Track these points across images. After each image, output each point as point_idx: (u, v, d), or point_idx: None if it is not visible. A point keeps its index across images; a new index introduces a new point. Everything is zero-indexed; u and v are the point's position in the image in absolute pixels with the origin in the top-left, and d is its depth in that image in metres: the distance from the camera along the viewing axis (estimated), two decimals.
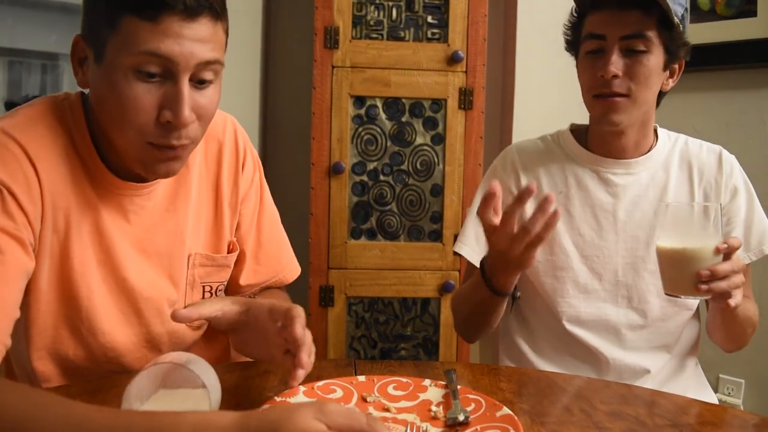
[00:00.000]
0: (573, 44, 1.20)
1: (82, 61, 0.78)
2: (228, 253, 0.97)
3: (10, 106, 2.20)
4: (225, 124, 0.97)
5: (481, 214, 0.89)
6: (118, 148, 0.80)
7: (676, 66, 1.13)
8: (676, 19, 1.04)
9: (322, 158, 1.87)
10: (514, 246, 0.86)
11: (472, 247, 1.18)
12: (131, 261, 0.86)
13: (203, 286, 0.94)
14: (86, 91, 0.83)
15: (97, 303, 0.84)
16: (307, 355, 0.72)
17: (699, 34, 2.03)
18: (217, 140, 0.95)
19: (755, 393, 2.01)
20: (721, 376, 2.05)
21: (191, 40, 0.72)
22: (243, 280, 0.99)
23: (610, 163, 1.15)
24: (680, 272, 0.87)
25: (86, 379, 0.84)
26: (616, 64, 1.05)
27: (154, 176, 0.83)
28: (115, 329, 0.87)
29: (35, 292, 0.81)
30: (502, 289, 0.97)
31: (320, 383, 0.76)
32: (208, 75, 0.76)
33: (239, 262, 0.99)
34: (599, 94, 1.07)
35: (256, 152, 1.03)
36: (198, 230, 0.93)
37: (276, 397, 0.71)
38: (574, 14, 1.19)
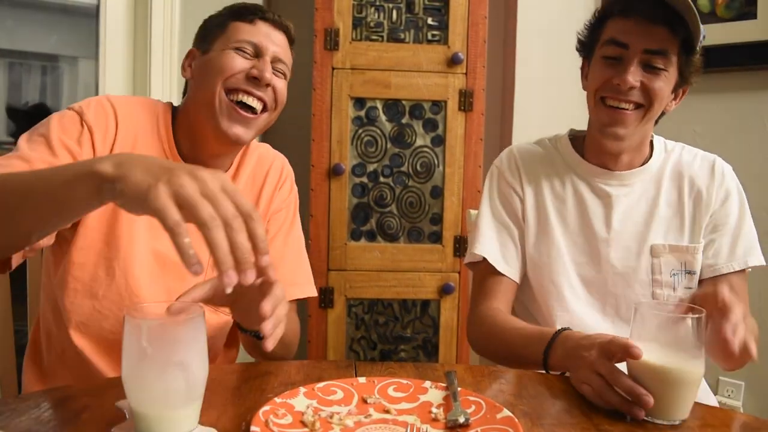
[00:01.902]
0: (587, 46, 1.16)
1: (189, 64, 1.05)
2: None
3: (11, 111, 2.20)
4: (276, 155, 1.18)
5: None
6: (200, 124, 0.99)
7: (681, 90, 1.13)
8: (699, 46, 1.05)
9: (322, 160, 1.87)
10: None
11: (493, 251, 1.16)
12: None
13: None
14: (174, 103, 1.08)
15: (135, 250, 0.97)
16: (271, 327, 0.73)
17: None
18: (268, 162, 1.14)
19: (755, 395, 2.01)
20: (720, 378, 2.05)
21: (272, 40, 1.02)
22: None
23: (605, 175, 1.15)
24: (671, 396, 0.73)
25: (87, 380, 0.84)
26: (635, 75, 1.04)
27: (227, 140, 0.99)
28: (143, 278, 0.98)
29: (84, 226, 0.95)
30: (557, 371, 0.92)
31: (321, 384, 0.76)
32: (280, 67, 1.03)
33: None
34: (607, 97, 1.07)
35: (296, 188, 1.20)
36: None
37: (276, 398, 0.71)
38: (596, 16, 1.14)
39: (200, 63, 1.03)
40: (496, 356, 1.09)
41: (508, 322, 1.08)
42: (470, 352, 1.34)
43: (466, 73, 1.90)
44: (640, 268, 1.12)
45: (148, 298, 0.97)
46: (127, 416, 0.64)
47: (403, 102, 1.90)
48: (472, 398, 0.73)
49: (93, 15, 2.05)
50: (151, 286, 0.99)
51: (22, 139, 0.92)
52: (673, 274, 1.12)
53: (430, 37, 1.90)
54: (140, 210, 0.61)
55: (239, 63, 0.99)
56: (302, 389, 0.74)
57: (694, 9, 1.01)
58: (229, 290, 0.60)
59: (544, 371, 0.93)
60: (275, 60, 1.02)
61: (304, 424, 0.68)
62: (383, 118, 1.90)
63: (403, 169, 1.91)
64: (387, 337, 1.94)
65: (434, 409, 0.73)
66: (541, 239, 1.16)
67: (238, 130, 0.98)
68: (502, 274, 1.15)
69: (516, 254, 1.17)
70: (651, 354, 0.74)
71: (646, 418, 0.74)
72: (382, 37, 1.89)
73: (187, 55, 1.07)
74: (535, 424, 0.71)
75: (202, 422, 0.65)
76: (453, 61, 1.89)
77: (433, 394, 0.76)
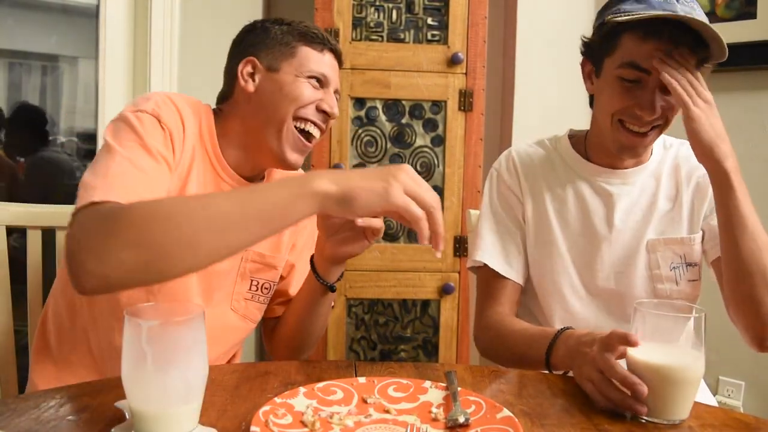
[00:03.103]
0: (594, 52, 1.09)
1: (250, 74, 1.04)
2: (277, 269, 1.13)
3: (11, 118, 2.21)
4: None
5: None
6: (260, 144, 1.02)
7: None
8: (713, 62, 1.03)
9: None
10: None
11: (494, 255, 1.15)
12: None
13: (251, 280, 1.09)
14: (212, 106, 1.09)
15: None
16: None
17: None
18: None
19: (755, 395, 2.01)
20: (720, 378, 2.05)
21: (335, 72, 1.06)
22: (292, 290, 1.16)
23: (607, 173, 1.14)
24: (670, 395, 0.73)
25: (87, 381, 0.84)
26: (657, 102, 1.01)
27: (282, 164, 1.03)
28: (192, 275, 0.99)
29: None
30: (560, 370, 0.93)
31: (320, 384, 0.76)
32: (336, 97, 1.07)
33: (290, 275, 1.16)
34: (626, 121, 1.04)
35: None
36: None
37: (276, 398, 0.71)
38: (607, 22, 1.03)
39: (269, 82, 1.02)
40: (504, 360, 1.09)
41: (513, 324, 1.08)
42: (470, 352, 1.34)
43: (466, 73, 1.91)
44: (640, 264, 1.11)
45: (195, 294, 1.01)
46: (127, 416, 0.64)
47: (403, 102, 1.90)
48: (472, 398, 0.73)
49: (93, 15, 2.05)
50: (200, 284, 1.02)
51: (116, 144, 0.89)
52: (673, 268, 1.12)
53: (430, 37, 1.90)
54: (366, 213, 0.75)
55: (311, 94, 1.01)
56: (302, 389, 0.74)
57: (720, 37, 0.98)
58: (438, 255, 0.79)
59: (547, 371, 0.93)
60: (336, 92, 1.07)
61: (304, 424, 0.68)
62: (383, 118, 1.90)
63: None
64: (387, 337, 1.94)
65: (434, 409, 0.73)
66: (541, 241, 1.15)
67: (297, 159, 1.03)
68: (506, 278, 1.14)
69: (518, 256, 1.16)
70: (651, 353, 0.74)
71: (646, 418, 0.74)
72: (382, 37, 1.89)
73: (245, 62, 1.04)
74: (535, 424, 0.72)
75: (202, 422, 0.65)
76: (453, 61, 1.89)
77: (433, 394, 0.76)
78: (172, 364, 0.60)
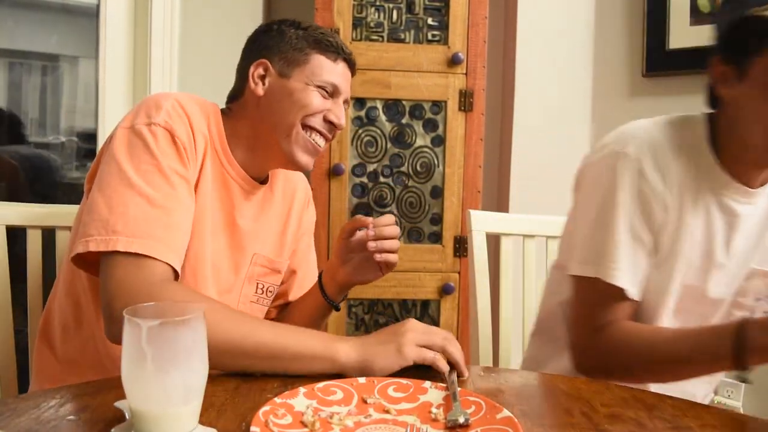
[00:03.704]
0: (736, 51, 0.92)
1: (261, 77, 1.04)
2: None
3: (10, 125, 2.20)
4: (299, 175, 1.21)
5: None
6: (269, 145, 1.03)
7: None
8: None
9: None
10: None
11: (634, 281, 0.96)
12: (225, 231, 1.04)
13: (257, 283, 1.11)
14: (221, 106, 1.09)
15: (204, 252, 1.01)
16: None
17: (699, 36, 2.03)
18: (294, 180, 1.20)
19: (755, 395, 2.01)
20: (720, 378, 2.05)
21: (347, 82, 1.07)
22: (292, 296, 1.20)
23: (735, 189, 0.98)
24: None
25: (86, 381, 0.84)
26: None
27: (294, 167, 1.06)
28: (210, 279, 1.03)
29: None
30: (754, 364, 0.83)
31: (320, 384, 0.76)
32: (345, 106, 1.09)
33: (290, 280, 1.20)
34: None
35: (314, 208, 1.27)
36: (267, 238, 1.12)
37: (276, 398, 0.71)
38: (756, 20, 0.88)
39: (279, 87, 1.03)
40: (650, 373, 0.96)
41: (656, 332, 0.96)
42: (470, 352, 1.34)
43: (466, 73, 1.91)
44: (746, 292, 1.02)
45: (212, 295, 1.03)
46: (127, 416, 0.64)
47: (403, 102, 1.90)
48: (472, 398, 0.73)
49: (93, 15, 2.05)
50: (215, 285, 1.04)
51: (131, 169, 0.88)
52: (757, 300, 1.03)
53: (430, 37, 1.90)
54: (386, 373, 0.81)
55: (319, 104, 1.03)
56: (302, 389, 0.74)
57: None
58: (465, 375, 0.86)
59: (736, 370, 0.85)
60: (345, 102, 1.08)
61: (304, 424, 0.68)
62: (383, 118, 1.90)
63: (403, 169, 1.91)
64: None
65: (434, 409, 0.73)
66: (662, 260, 0.98)
67: (308, 161, 1.05)
68: (630, 298, 0.97)
69: (644, 273, 0.98)
70: None
71: None
72: (382, 37, 1.89)
73: (256, 64, 1.04)
74: (535, 424, 0.71)
75: (202, 422, 0.65)
76: (453, 62, 1.89)
77: (433, 394, 0.76)
78: (171, 364, 0.60)
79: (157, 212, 0.87)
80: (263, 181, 1.11)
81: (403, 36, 1.90)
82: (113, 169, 0.89)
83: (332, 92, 1.04)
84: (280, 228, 1.15)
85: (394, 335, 0.83)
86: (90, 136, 2.16)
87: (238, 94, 1.08)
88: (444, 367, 0.82)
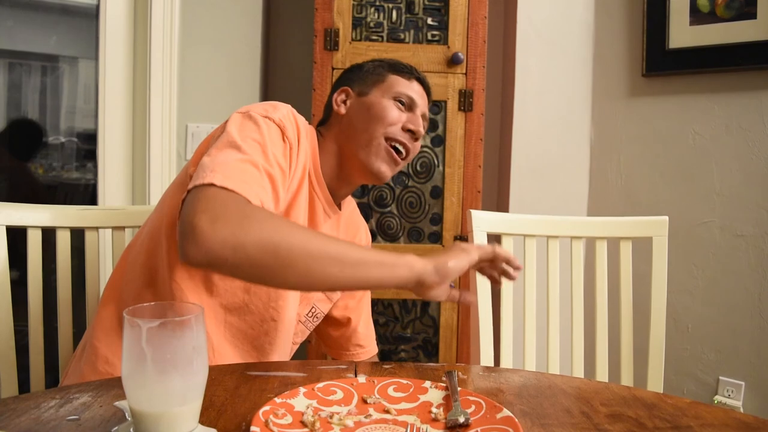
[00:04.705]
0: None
1: (343, 101, 1.14)
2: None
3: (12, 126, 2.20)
4: (362, 220, 1.28)
5: None
6: (351, 157, 1.09)
7: None
8: None
9: None
10: None
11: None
12: None
13: (312, 306, 1.14)
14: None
15: None
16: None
17: (699, 36, 2.03)
18: (356, 222, 1.25)
19: (755, 395, 2.01)
20: (721, 378, 2.05)
21: (422, 99, 1.14)
22: (360, 339, 1.26)
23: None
24: None
25: (86, 381, 0.84)
26: None
27: (373, 177, 1.09)
28: None
29: None
30: None
31: (320, 384, 0.76)
32: (424, 124, 1.14)
33: (343, 328, 1.25)
34: None
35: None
36: None
37: (276, 398, 0.71)
38: None
39: (358, 104, 1.11)
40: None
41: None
42: (470, 352, 1.34)
43: (466, 73, 1.91)
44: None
45: (287, 304, 1.05)
46: (127, 416, 0.64)
47: None
48: (472, 398, 0.73)
49: (93, 15, 2.05)
50: (293, 295, 1.06)
51: (239, 138, 0.91)
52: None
53: (430, 37, 1.90)
54: (458, 273, 0.88)
55: (397, 114, 1.09)
56: (302, 389, 0.74)
57: None
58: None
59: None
60: (423, 116, 1.14)
61: (304, 424, 0.68)
62: None
63: (403, 169, 1.91)
64: (387, 337, 1.94)
65: (434, 409, 0.73)
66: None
67: (387, 170, 1.09)
68: None
69: None
70: None
71: None
72: (382, 37, 1.89)
73: (339, 91, 1.15)
74: (535, 424, 0.71)
75: (202, 422, 0.65)
76: (453, 61, 1.89)
77: (433, 394, 0.77)
78: (172, 364, 0.60)
79: (255, 172, 0.87)
80: (337, 207, 1.14)
81: (402, 36, 1.90)
82: (222, 138, 0.92)
83: (408, 105, 1.11)
84: None
85: (452, 247, 0.91)
86: (90, 137, 2.15)
87: (324, 120, 1.16)
88: (505, 252, 0.93)
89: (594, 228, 1.37)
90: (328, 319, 1.25)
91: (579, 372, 1.32)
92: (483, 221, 1.34)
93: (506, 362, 1.31)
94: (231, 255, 0.76)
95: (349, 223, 1.22)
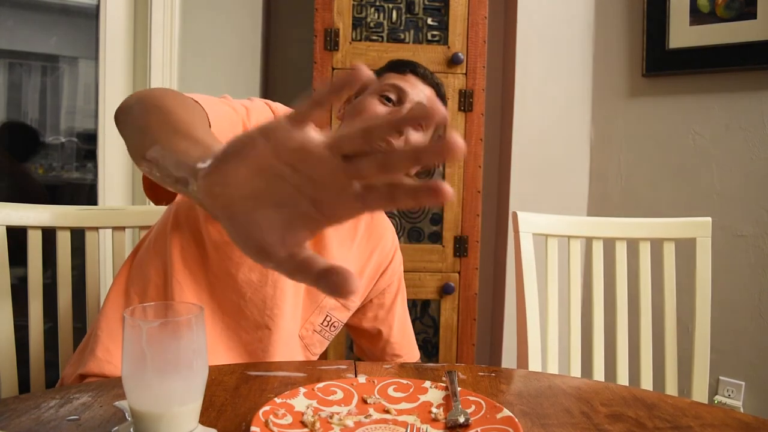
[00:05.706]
0: None
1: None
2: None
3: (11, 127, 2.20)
4: (389, 224, 1.22)
5: None
6: None
7: None
8: None
9: None
10: None
11: None
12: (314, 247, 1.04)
13: (327, 315, 1.10)
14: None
15: None
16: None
17: (699, 36, 2.03)
18: (382, 227, 1.19)
19: (755, 395, 2.01)
20: (721, 378, 2.05)
21: (417, 90, 1.05)
22: (394, 348, 1.23)
23: None
24: None
25: (86, 382, 0.84)
26: None
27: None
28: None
29: None
30: None
31: (320, 384, 0.76)
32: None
33: (375, 339, 1.22)
34: None
35: (401, 256, 1.25)
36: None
37: (276, 398, 0.71)
38: None
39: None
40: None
41: None
42: (474, 352, 1.34)
43: (466, 74, 1.90)
44: None
45: (283, 313, 1.02)
46: (127, 416, 0.64)
47: None
48: (472, 398, 0.73)
49: (93, 15, 2.05)
50: (294, 297, 1.04)
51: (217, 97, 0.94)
52: None
53: (430, 38, 1.90)
54: None
55: (376, 109, 1.02)
56: (302, 389, 0.74)
57: None
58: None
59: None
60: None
61: (304, 424, 0.68)
62: None
63: None
64: None
65: (434, 409, 0.73)
66: None
67: None
68: None
69: None
70: None
71: None
72: (382, 37, 1.89)
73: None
74: (535, 424, 0.71)
75: (202, 422, 0.65)
76: (453, 62, 1.89)
77: (433, 394, 0.76)
78: (172, 364, 0.60)
79: (218, 101, 0.90)
80: None
81: (402, 36, 1.90)
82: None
83: (398, 98, 1.04)
84: (360, 265, 1.14)
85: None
86: (90, 137, 2.15)
87: None
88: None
89: (638, 229, 1.37)
90: (359, 331, 1.23)
91: (623, 379, 1.31)
92: (529, 224, 1.34)
93: (552, 368, 1.30)
94: (122, 105, 0.77)
95: (372, 227, 1.18)
